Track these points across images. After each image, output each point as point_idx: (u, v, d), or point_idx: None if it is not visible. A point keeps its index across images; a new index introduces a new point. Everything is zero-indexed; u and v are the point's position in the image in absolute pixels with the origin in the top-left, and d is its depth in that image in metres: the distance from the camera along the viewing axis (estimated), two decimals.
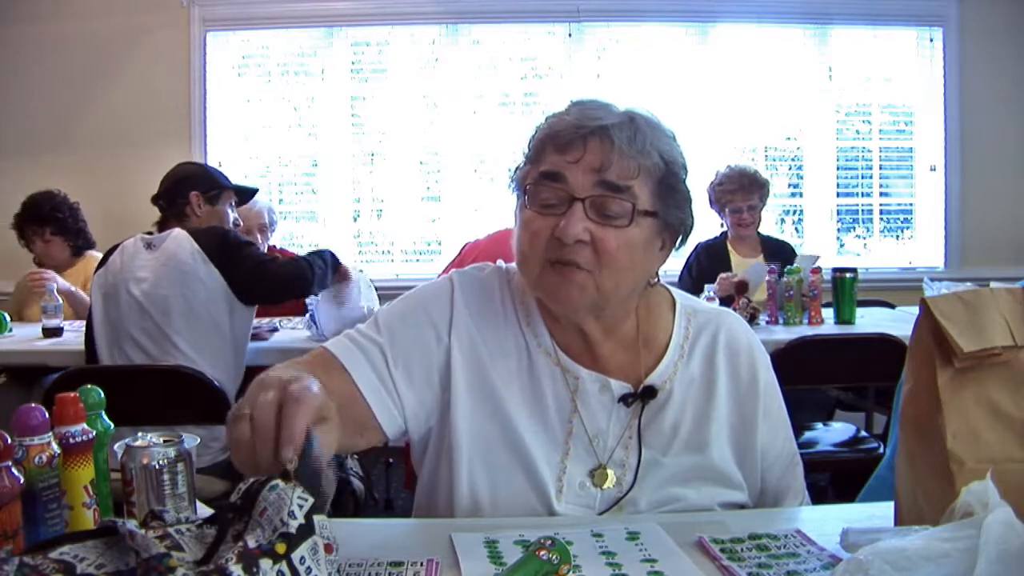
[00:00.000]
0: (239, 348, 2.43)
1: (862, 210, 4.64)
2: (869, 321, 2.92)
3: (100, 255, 2.63)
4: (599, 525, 0.97)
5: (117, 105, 4.29)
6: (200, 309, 2.31)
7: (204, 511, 0.91)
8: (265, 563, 0.61)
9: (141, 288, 2.33)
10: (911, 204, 4.63)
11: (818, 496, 1.72)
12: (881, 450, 2.49)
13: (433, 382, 1.08)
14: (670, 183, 1.04)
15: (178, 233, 2.38)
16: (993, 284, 0.84)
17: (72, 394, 0.94)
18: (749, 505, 1.11)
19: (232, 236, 2.43)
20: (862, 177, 4.60)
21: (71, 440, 0.91)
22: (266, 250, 3.26)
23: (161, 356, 2.29)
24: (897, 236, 4.66)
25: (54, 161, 4.20)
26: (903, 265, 4.55)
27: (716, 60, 4.43)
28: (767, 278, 2.97)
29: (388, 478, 3.33)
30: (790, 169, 4.62)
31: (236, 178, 2.69)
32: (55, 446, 0.88)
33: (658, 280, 1.14)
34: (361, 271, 2.66)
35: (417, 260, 4.53)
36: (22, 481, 0.81)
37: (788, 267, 2.93)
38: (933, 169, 4.53)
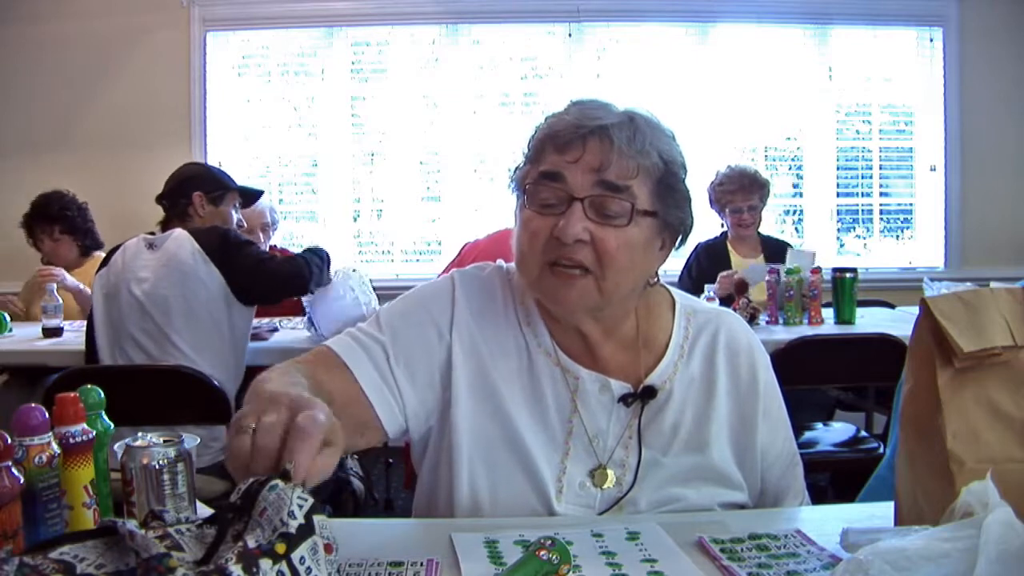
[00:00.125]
0: (239, 348, 2.43)
1: (862, 210, 4.64)
2: (869, 321, 2.92)
3: None
4: (599, 525, 0.97)
5: (117, 105, 4.29)
6: (201, 309, 2.31)
7: (204, 511, 0.91)
8: (265, 563, 0.61)
9: (142, 288, 2.33)
10: (911, 204, 4.63)
11: (818, 496, 1.72)
12: (881, 450, 2.49)
13: (435, 381, 1.08)
14: (669, 183, 1.04)
15: (179, 233, 2.38)
16: (993, 284, 0.84)
17: (72, 394, 0.94)
18: (749, 505, 1.11)
19: (232, 236, 2.43)
20: (862, 177, 4.60)
21: (71, 440, 0.90)
22: (267, 249, 3.27)
23: (161, 356, 2.29)
24: (897, 236, 4.66)
25: (54, 161, 4.20)
26: (903, 265, 4.55)
27: (716, 60, 4.43)
28: (767, 278, 2.97)
29: (388, 478, 3.33)
30: (790, 169, 4.62)
31: (236, 178, 2.69)
32: (55, 446, 0.88)
33: (658, 280, 1.14)
34: (354, 271, 2.65)
35: (417, 260, 4.53)
36: (22, 481, 0.81)
37: (788, 267, 2.93)
38: (933, 169, 4.53)
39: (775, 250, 3.40)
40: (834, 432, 2.83)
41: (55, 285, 2.91)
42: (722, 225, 3.51)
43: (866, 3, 4.42)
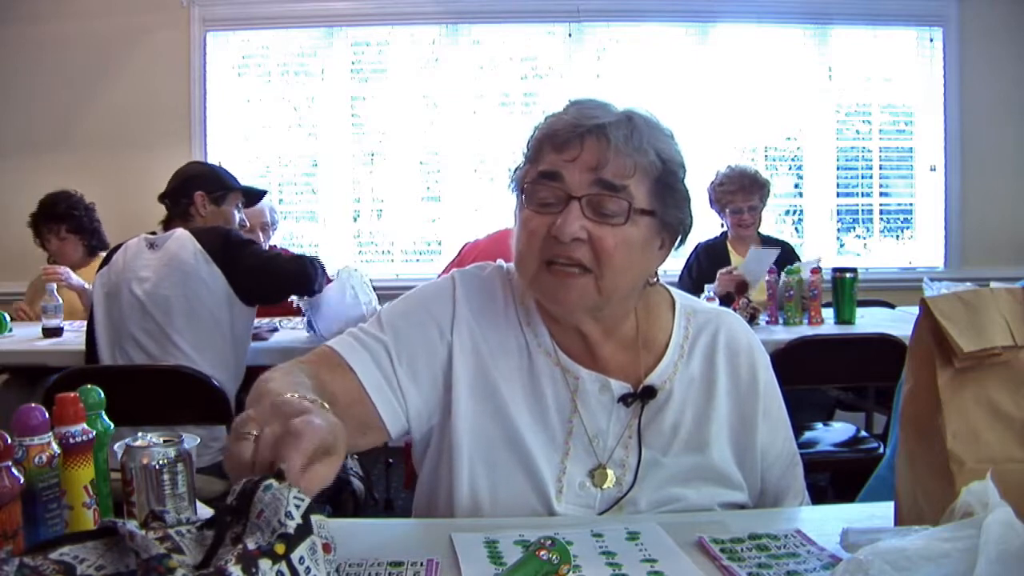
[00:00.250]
0: (240, 348, 2.43)
1: (862, 210, 4.64)
2: (869, 321, 2.92)
3: None
4: (599, 525, 0.97)
5: (117, 105, 4.29)
6: (202, 309, 2.31)
7: (204, 511, 0.91)
8: (264, 563, 0.61)
9: (143, 288, 2.33)
10: (911, 204, 4.63)
11: (818, 496, 1.72)
12: (881, 450, 2.49)
13: (436, 381, 1.08)
14: (668, 182, 1.04)
15: (181, 233, 2.38)
16: (993, 284, 0.84)
17: (72, 394, 0.94)
18: (749, 505, 1.11)
19: (234, 236, 2.43)
20: (862, 177, 4.60)
21: (71, 440, 0.90)
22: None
23: (162, 356, 2.29)
24: (897, 236, 4.66)
25: (54, 161, 4.20)
26: (903, 265, 4.55)
27: (716, 60, 4.43)
28: (767, 278, 2.97)
29: (388, 478, 3.33)
30: (790, 169, 4.62)
31: (237, 178, 2.69)
32: (55, 446, 0.88)
33: (657, 280, 1.14)
34: (356, 270, 2.65)
35: (417, 260, 4.53)
36: (22, 481, 0.81)
37: (788, 267, 2.93)
38: (933, 169, 4.53)
39: None
40: (834, 432, 2.83)
41: (55, 285, 2.91)
42: (722, 225, 3.51)
43: (866, 3, 4.42)
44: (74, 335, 2.77)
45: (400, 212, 4.51)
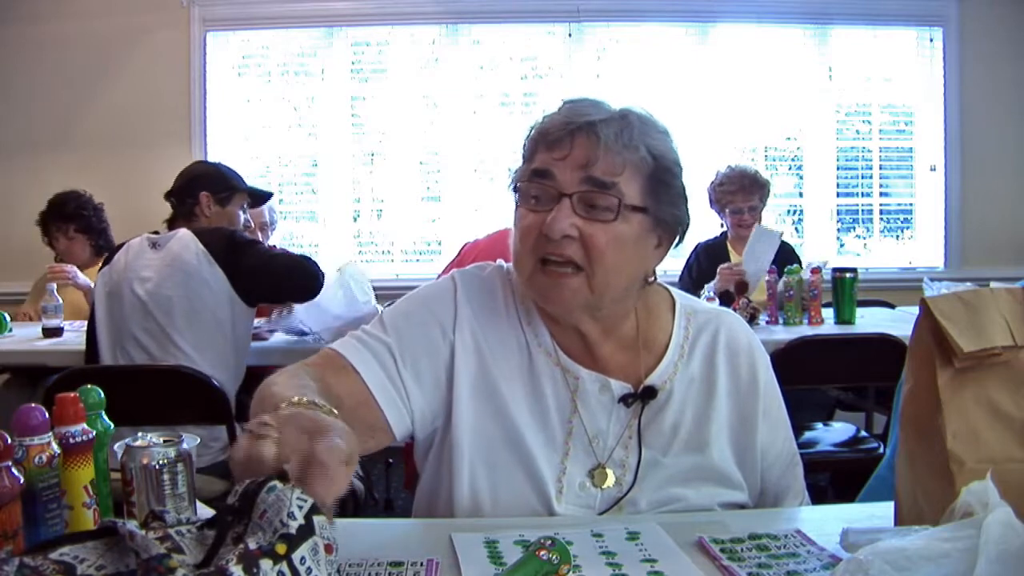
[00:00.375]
0: (241, 348, 2.43)
1: (862, 210, 4.64)
2: (869, 321, 2.92)
3: None
4: (599, 525, 0.97)
5: (117, 105, 4.28)
6: (204, 310, 2.31)
7: (204, 511, 0.91)
8: (265, 563, 0.61)
9: (145, 288, 2.32)
10: (911, 204, 4.63)
11: (818, 496, 1.72)
12: (881, 450, 2.49)
13: (440, 381, 1.08)
14: (661, 179, 1.04)
15: (183, 233, 2.38)
16: (993, 284, 0.84)
17: (72, 394, 0.93)
18: (749, 505, 1.12)
19: (238, 236, 2.43)
20: (862, 177, 4.60)
21: (71, 440, 0.90)
22: None
23: (163, 356, 2.29)
24: (897, 236, 4.66)
25: (54, 161, 4.20)
26: (903, 265, 4.55)
27: (716, 60, 4.43)
28: (767, 278, 2.97)
29: (388, 478, 3.33)
30: (790, 169, 4.62)
31: (243, 178, 2.68)
32: (55, 446, 0.88)
33: (656, 279, 1.14)
34: (353, 263, 2.64)
35: (417, 260, 4.53)
36: (22, 481, 0.81)
37: (788, 267, 2.93)
38: (933, 169, 4.53)
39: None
40: (834, 432, 2.83)
41: (55, 285, 2.91)
42: (722, 225, 3.51)
43: (866, 3, 4.42)
44: (74, 335, 2.77)
45: (400, 212, 4.51)
